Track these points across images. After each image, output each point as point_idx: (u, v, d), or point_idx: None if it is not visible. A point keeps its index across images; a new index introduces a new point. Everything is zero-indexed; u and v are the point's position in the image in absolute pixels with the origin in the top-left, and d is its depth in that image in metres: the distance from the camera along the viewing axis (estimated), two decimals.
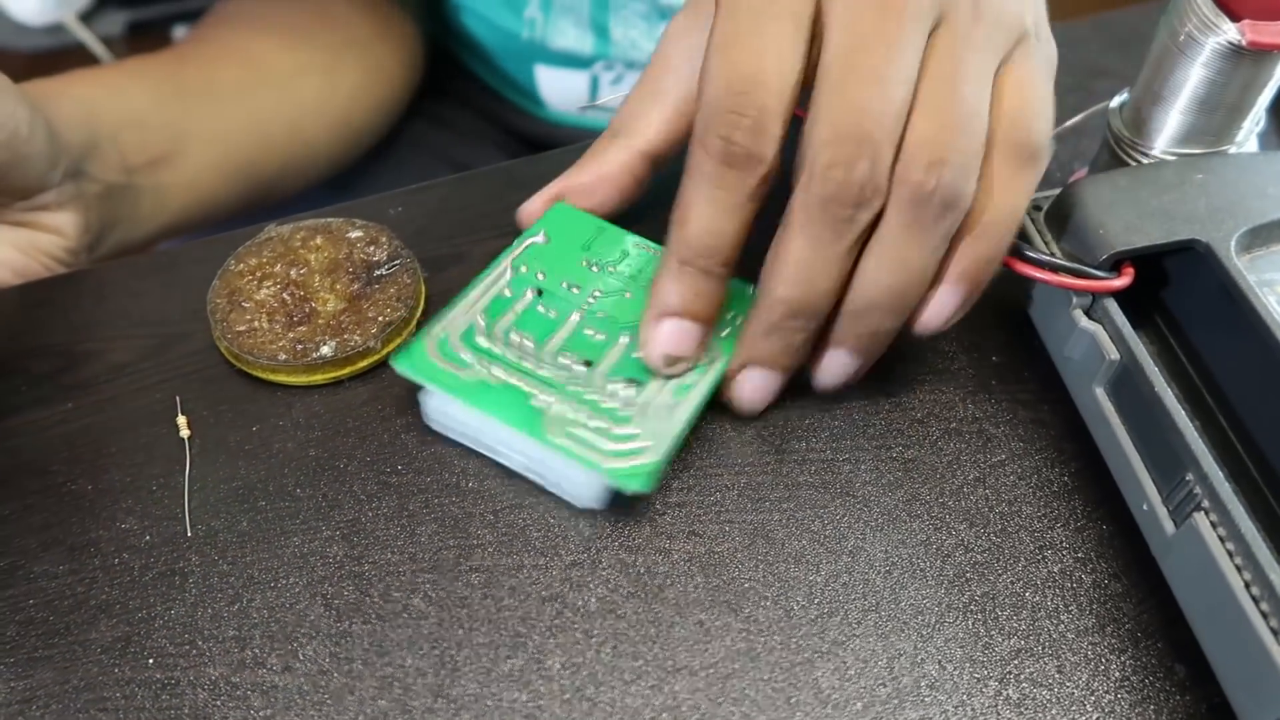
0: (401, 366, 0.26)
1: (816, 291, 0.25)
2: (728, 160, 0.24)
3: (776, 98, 0.24)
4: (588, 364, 0.27)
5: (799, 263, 0.24)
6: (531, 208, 0.31)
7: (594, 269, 0.29)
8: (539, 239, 0.30)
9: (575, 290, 0.29)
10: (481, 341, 0.27)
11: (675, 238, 0.26)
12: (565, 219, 0.30)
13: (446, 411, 0.27)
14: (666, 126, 0.30)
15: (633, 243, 0.30)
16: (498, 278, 0.29)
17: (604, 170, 0.30)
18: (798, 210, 0.24)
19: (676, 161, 0.27)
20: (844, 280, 0.25)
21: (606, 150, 0.30)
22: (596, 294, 0.29)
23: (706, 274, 0.26)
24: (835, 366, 0.27)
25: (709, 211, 0.25)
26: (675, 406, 0.26)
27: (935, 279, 0.25)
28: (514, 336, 0.27)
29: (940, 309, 0.26)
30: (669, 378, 0.27)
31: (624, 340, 0.28)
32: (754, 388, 0.27)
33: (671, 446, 0.26)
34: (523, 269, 0.29)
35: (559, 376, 0.27)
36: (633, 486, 0.25)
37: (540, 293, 0.28)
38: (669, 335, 0.26)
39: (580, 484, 0.26)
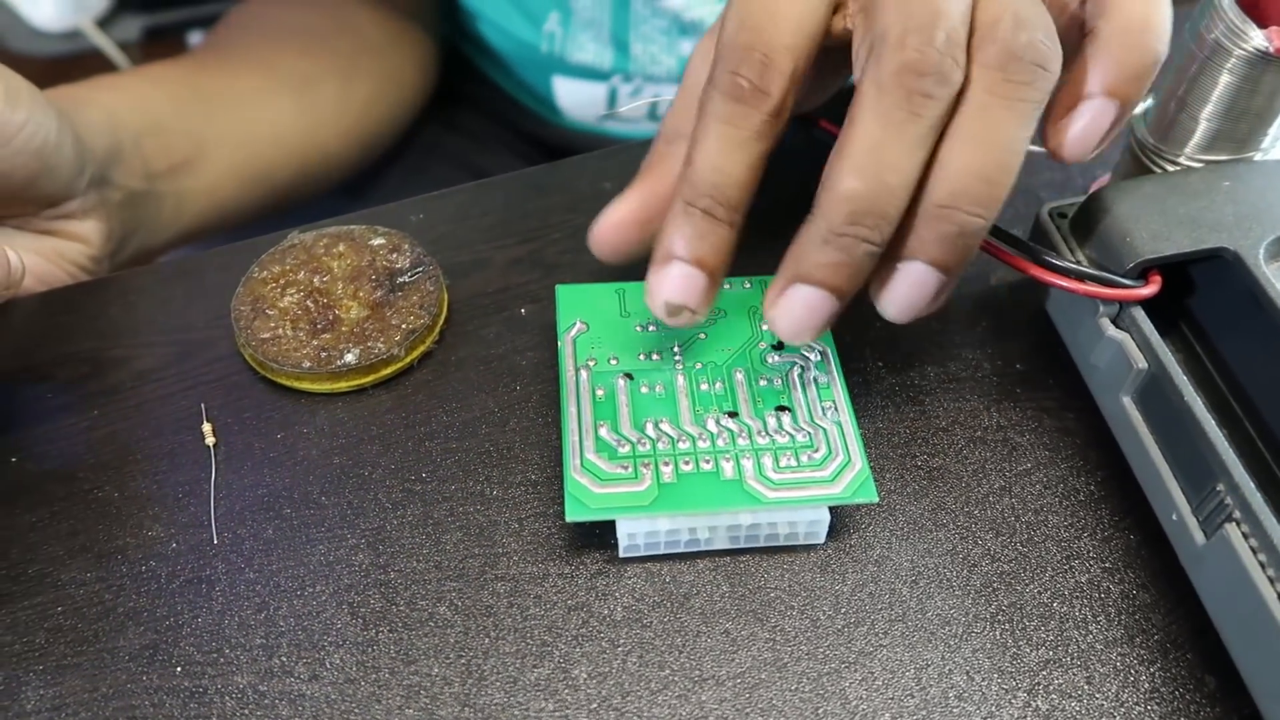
0: (579, 514, 0.24)
1: (888, 187, 0.22)
2: (735, 94, 0.23)
3: (790, 35, 0.23)
4: (733, 415, 0.26)
5: (870, 149, 0.22)
6: (612, 220, 0.27)
7: (651, 329, 0.28)
8: (579, 329, 0.28)
9: (656, 357, 0.27)
10: (625, 450, 0.25)
11: (682, 178, 0.24)
12: (580, 298, 0.29)
13: (651, 530, 0.25)
14: None
15: None
16: (576, 388, 0.27)
17: (677, 172, 0.29)
18: (867, 89, 0.22)
19: None
20: (917, 179, 0.22)
21: (670, 154, 0.28)
22: (676, 349, 0.28)
23: (712, 217, 0.24)
24: (913, 285, 0.23)
25: (715, 148, 0.24)
26: (833, 408, 0.26)
27: (1073, 98, 0.23)
28: (649, 427, 0.26)
29: (1095, 124, 0.23)
30: (674, 328, 0.26)
31: (739, 376, 0.27)
32: (803, 310, 0.24)
33: (861, 444, 0.25)
34: (590, 364, 0.27)
35: (721, 439, 0.26)
36: (865, 498, 0.24)
37: (630, 376, 0.27)
38: (674, 281, 0.24)
39: (813, 523, 0.25)
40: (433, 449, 0.28)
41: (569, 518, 0.24)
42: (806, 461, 0.25)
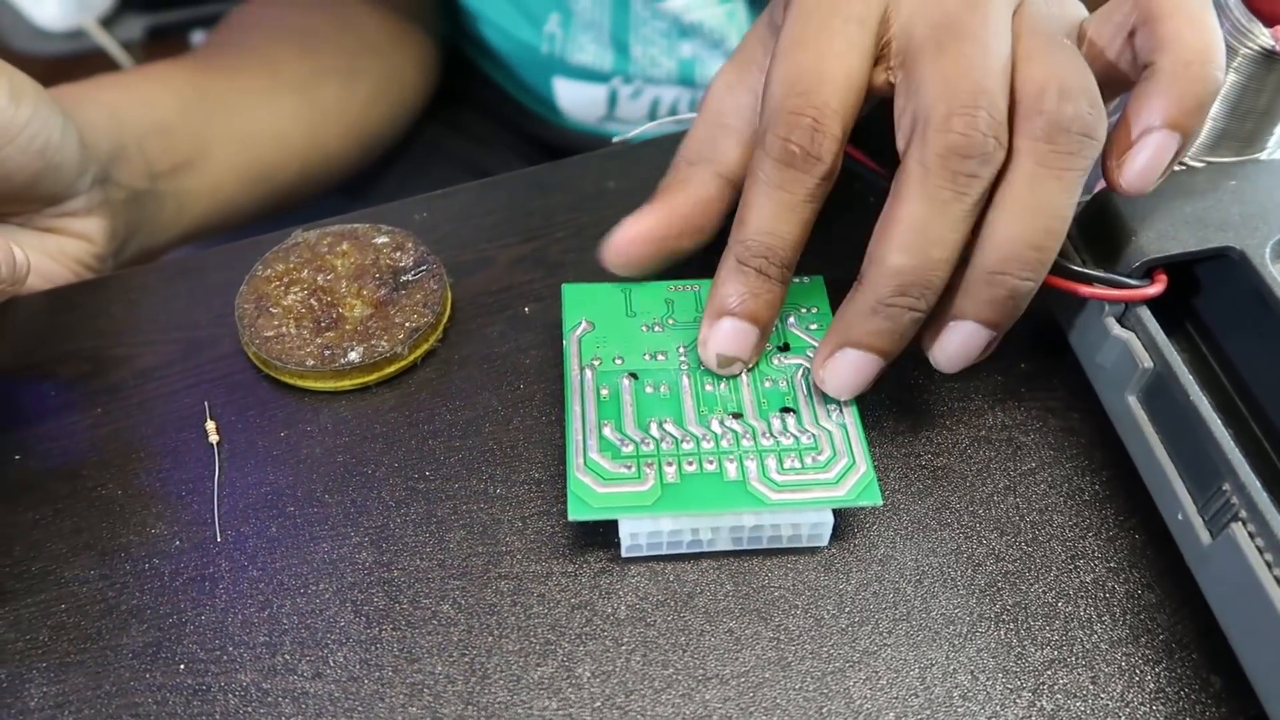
0: (582, 514, 0.24)
1: (932, 261, 0.23)
2: (786, 160, 0.24)
3: (839, 98, 0.24)
4: (737, 416, 0.26)
5: (915, 227, 0.23)
6: (629, 235, 0.28)
7: (657, 329, 0.28)
8: (584, 328, 0.28)
9: (662, 357, 0.27)
10: (629, 449, 0.25)
11: (734, 238, 0.25)
12: (586, 297, 0.29)
13: (654, 531, 0.25)
14: (744, 152, 0.28)
15: (670, 289, 0.29)
16: (580, 387, 0.27)
17: (701, 194, 0.28)
18: (913, 169, 0.23)
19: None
20: (960, 252, 0.23)
21: (693, 177, 0.28)
22: (681, 350, 0.28)
23: (764, 275, 0.25)
24: (965, 341, 0.25)
25: (768, 211, 0.25)
26: (838, 410, 0.26)
27: (1134, 133, 0.24)
28: (653, 427, 0.26)
29: (1158, 157, 0.23)
30: (723, 377, 0.27)
31: (744, 378, 0.27)
32: (852, 372, 0.25)
33: (865, 446, 0.25)
34: (595, 363, 0.27)
35: (725, 440, 0.25)
36: (868, 501, 0.24)
37: (635, 376, 0.27)
38: (726, 335, 0.26)
39: (816, 525, 0.25)
40: (436, 447, 0.28)
41: (571, 517, 0.24)
42: (810, 464, 0.25)
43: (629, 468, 0.25)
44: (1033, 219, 0.23)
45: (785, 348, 0.28)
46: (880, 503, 0.25)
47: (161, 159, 0.40)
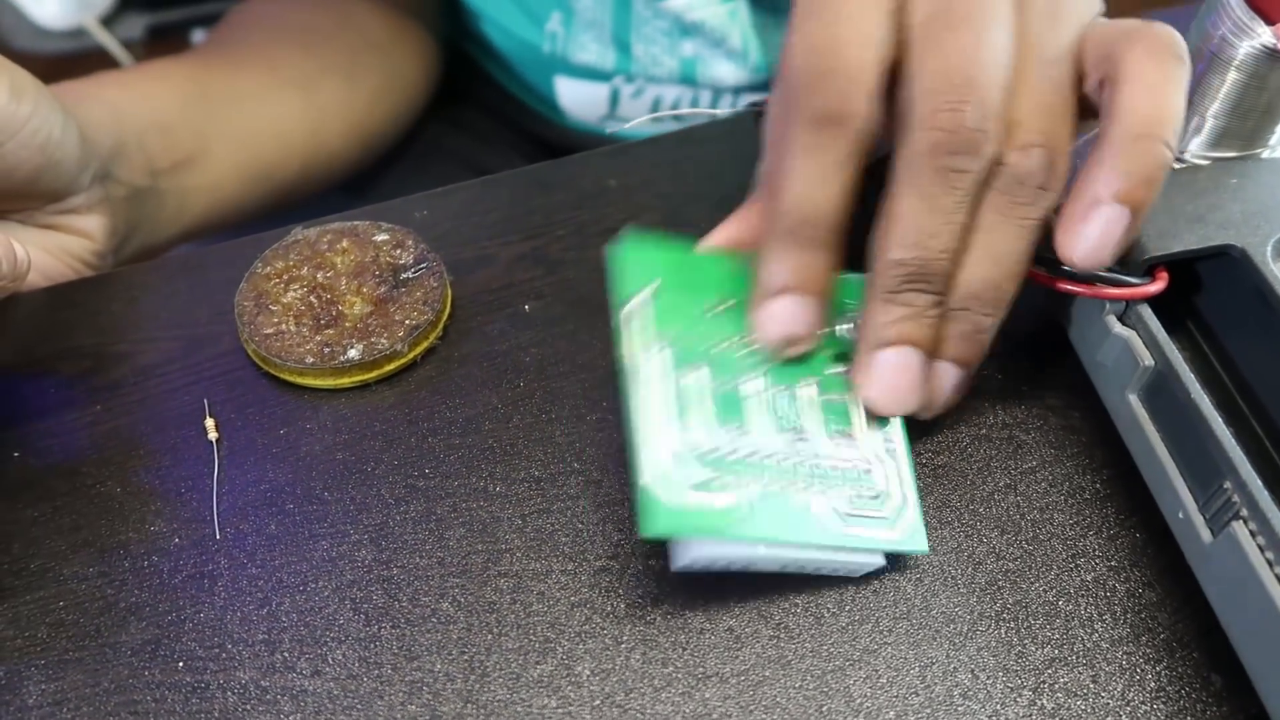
0: (660, 530, 0.22)
1: (931, 250, 0.23)
2: (818, 121, 0.23)
3: (862, 52, 0.23)
4: (799, 432, 0.24)
5: (908, 220, 0.23)
6: (711, 244, 0.26)
7: (725, 308, 0.25)
8: (646, 299, 0.24)
9: (727, 346, 0.24)
10: (708, 456, 0.22)
11: (772, 211, 0.24)
12: (645, 260, 0.25)
13: (720, 556, 0.23)
14: None
15: (738, 259, 0.26)
16: (648, 372, 0.23)
17: None
18: (902, 165, 0.23)
19: None
20: (959, 235, 0.23)
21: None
22: (748, 341, 0.25)
23: (812, 243, 0.24)
24: (938, 382, 0.25)
25: (805, 177, 0.23)
26: (889, 439, 0.25)
27: (1085, 204, 0.23)
28: (732, 434, 0.23)
29: (1109, 233, 0.23)
30: (788, 362, 0.25)
31: (806, 393, 0.25)
32: (891, 372, 0.24)
33: (915, 481, 0.25)
34: (663, 345, 0.23)
35: (794, 460, 0.24)
36: (915, 549, 0.24)
37: (702, 366, 0.24)
38: (783, 315, 0.24)
39: (864, 565, 0.24)
40: (436, 445, 0.28)
41: (645, 534, 0.22)
42: (869, 498, 0.24)
43: (709, 478, 0.22)
44: (994, 265, 0.24)
45: (842, 357, 0.26)
46: (926, 551, 0.24)
47: (162, 156, 0.40)
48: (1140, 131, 0.23)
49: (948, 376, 0.26)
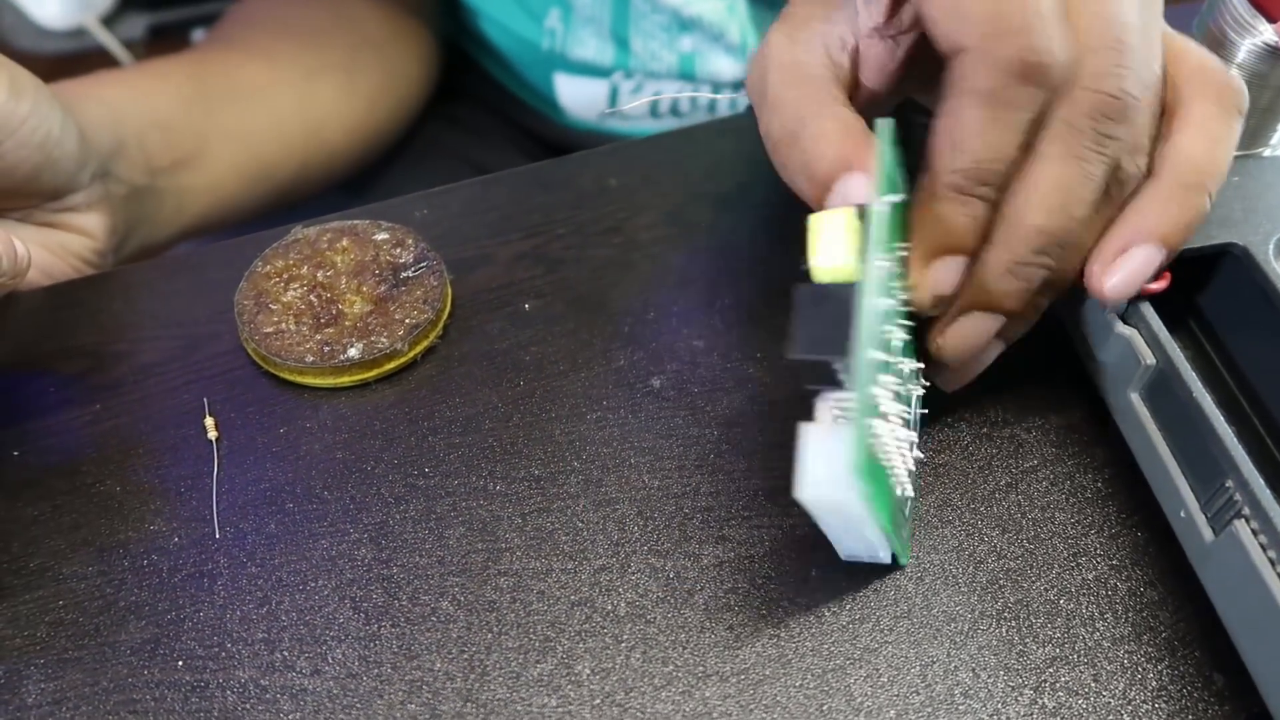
0: (859, 470, 0.20)
1: (1075, 220, 0.23)
2: (1024, 72, 0.21)
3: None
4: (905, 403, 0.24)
5: (1058, 184, 0.22)
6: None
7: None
8: (891, 204, 0.22)
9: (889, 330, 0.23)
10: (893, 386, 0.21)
11: (952, 166, 0.23)
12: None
13: (841, 501, 0.21)
14: (841, 85, 0.26)
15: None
16: (872, 285, 0.21)
17: (854, 123, 0.25)
18: (1058, 125, 0.22)
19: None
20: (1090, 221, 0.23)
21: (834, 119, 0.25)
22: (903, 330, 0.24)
23: (985, 202, 0.23)
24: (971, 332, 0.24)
25: (995, 132, 0.22)
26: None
27: (1123, 235, 0.23)
28: (898, 430, 0.22)
29: (1142, 271, 0.23)
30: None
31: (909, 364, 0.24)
32: (974, 337, 0.24)
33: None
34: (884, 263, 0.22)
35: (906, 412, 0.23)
36: (904, 559, 0.25)
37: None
38: (946, 275, 0.23)
39: (881, 556, 0.24)
40: (436, 444, 0.28)
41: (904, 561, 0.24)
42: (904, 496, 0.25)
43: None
44: (1086, 246, 0.23)
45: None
46: (905, 563, 0.25)
47: (161, 155, 0.40)
48: (1193, 181, 0.23)
49: (994, 350, 0.26)
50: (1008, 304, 0.24)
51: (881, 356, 0.21)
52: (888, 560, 0.25)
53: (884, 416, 0.21)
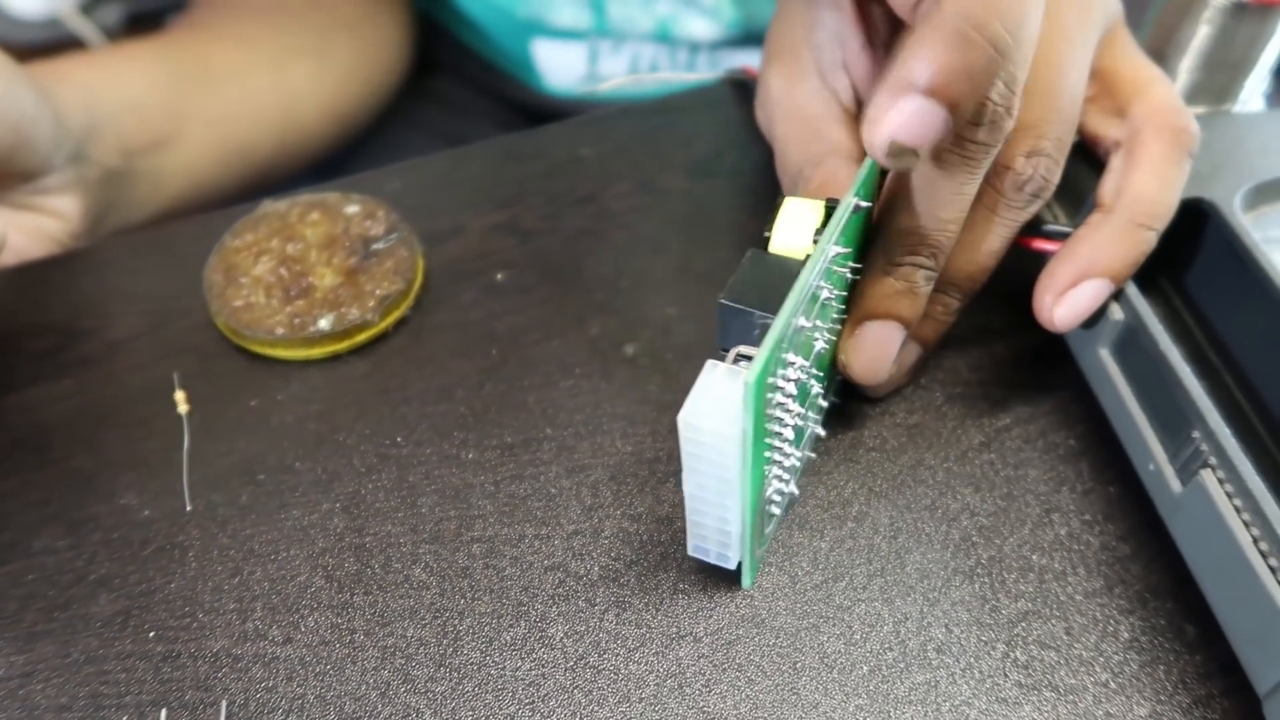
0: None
1: (940, 222, 0.24)
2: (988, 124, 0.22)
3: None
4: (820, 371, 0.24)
5: (923, 189, 0.23)
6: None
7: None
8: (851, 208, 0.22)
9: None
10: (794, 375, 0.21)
11: (906, 229, 0.24)
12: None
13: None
14: (848, 131, 0.28)
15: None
16: (815, 262, 0.21)
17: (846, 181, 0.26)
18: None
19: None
20: (960, 222, 0.24)
21: (830, 171, 0.27)
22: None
23: (930, 274, 0.24)
24: (903, 358, 0.26)
25: (946, 202, 0.23)
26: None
27: (1073, 267, 0.25)
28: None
29: (1092, 303, 0.25)
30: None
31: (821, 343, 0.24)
32: (874, 345, 0.25)
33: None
34: (835, 255, 0.22)
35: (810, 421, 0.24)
36: (748, 580, 0.24)
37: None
38: (909, 117, 0.20)
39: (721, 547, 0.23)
40: (408, 414, 0.28)
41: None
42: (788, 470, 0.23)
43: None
44: (974, 255, 0.25)
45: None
46: (747, 586, 0.24)
47: (135, 136, 0.40)
48: (1143, 221, 0.24)
49: (910, 355, 0.27)
50: (898, 309, 0.24)
51: (804, 323, 0.21)
52: (732, 566, 0.23)
53: (781, 390, 0.21)
